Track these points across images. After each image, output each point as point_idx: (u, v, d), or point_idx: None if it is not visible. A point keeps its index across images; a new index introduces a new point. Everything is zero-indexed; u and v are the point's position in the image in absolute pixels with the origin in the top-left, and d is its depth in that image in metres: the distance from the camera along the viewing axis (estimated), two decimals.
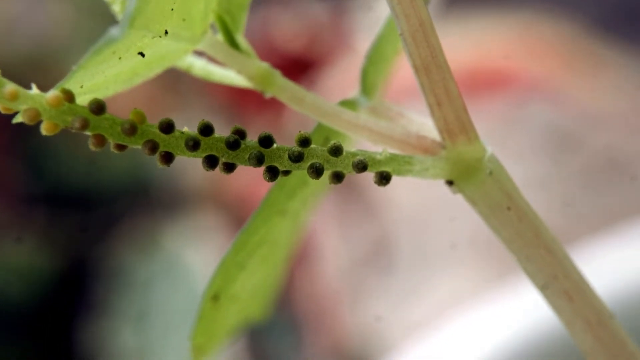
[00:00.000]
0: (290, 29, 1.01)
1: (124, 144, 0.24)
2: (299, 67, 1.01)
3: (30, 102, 0.23)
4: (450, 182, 0.24)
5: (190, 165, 1.20)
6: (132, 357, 0.95)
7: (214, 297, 0.27)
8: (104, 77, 0.24)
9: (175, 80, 1.24)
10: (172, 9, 0.24)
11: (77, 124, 0.23)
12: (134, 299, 0.99)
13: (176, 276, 1.02)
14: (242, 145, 0.24)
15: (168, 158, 0.24)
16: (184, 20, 0.24)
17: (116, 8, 0.27)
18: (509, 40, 0.91)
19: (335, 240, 1.01)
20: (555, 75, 0.88)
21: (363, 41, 1.00)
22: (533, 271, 0.25)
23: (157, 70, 0.26)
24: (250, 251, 0.27)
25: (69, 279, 1.03)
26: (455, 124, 0.24)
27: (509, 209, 0.24)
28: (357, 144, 0.29)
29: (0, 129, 1.15)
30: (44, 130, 0.23)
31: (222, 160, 0.24)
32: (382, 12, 1.07)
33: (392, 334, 0.94)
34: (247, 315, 0.30)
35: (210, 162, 0.24)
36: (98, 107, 0.23)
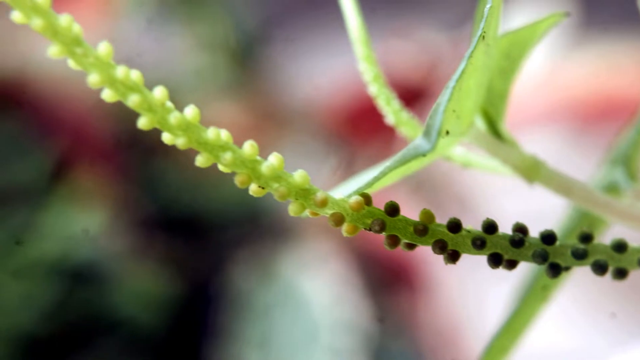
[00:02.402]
0: (410, 59, 1.03)
1: (415, 243, 0.26)
2: (417, 96, 1.03)
3: (336, 207, 0.25)
4: None
5: None
6: None
7: None
8: (385, 177, 0.26)
9: (279, 108, 1.26)
10: (454, 111, 0.25)
11: (376, 227, 0.25)
12: (255, 325, 1.02)
13: (294, 303, 1.04)
14: (526, 243, 0.25)
15: (455, 256, 0.26)
16: (458, 117, 0.26)
17: (390, 118, 0.29)
18: None
19: (449, 267, 1.02)
20: None
21: None
22: None
23: (421, 166, 0.28)
24: (515, 334, 0.29)
25: (191, 304, 1.06)
26: None
27: None
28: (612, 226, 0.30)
29: (115, 153, 1.19)
30: (345, 231, 0.26)
31: (506, 257, 0.26)
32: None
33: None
34: None
35: (495, 259, 0.26)
36: (393, 209, 0.26)
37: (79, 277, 0.98)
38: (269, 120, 1.25)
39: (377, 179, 0.25)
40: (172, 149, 1.35)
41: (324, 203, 0.25)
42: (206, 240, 1.16)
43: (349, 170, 1.16)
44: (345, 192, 0.26)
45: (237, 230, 1.17)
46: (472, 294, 0.93)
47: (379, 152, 1.15)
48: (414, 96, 1.06)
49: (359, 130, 1.15)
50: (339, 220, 0.25)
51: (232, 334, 1.02)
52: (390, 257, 1.06)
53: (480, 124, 0.29)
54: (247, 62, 1.24)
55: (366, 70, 0.30)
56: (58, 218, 0.98)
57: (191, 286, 1.08)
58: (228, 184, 1.25)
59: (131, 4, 1.23)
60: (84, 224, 1.01)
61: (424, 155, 0.24)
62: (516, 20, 0.96)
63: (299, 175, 0.25)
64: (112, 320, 1.00)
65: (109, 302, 1.00)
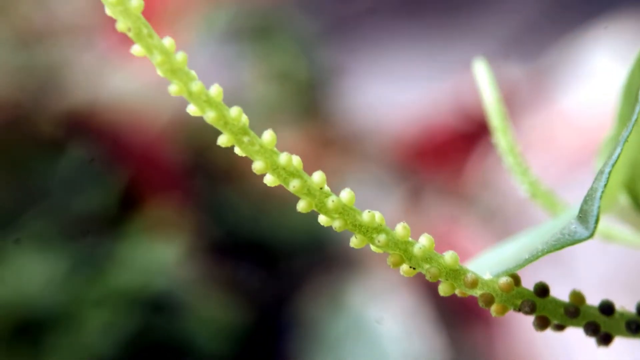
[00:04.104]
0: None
1: (565, 324, 0.26)
2: (490, 129, 1.02)
3: (486, 287, 0.25)
4: None
5: None
6: None
7: None
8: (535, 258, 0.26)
9: (346, 137, 1.27)
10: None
11: (526, 308, 0.25)
12: (327, 355, 1.02)
13: (364, 334, 1.04)
14: None
15: (607, 340, 0.25)
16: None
17: (525, 189, 0.29)
18: None
19: None
20: None
21: (563, 98, 1.00)
22: None
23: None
24: None
25: (262, 332, 1.07)
26: None
27: None
28: None
29: (183, 181, 1.21)
30: (495, 312, 0.26)
31: None
32: (583, 69, 1.07)
33: None
34: None
35: None
36: (543, 290, 0.26)
37: (155, 305, 0.99)
38: (337, 149, 1.25)
39: (528, 261, 0.25)
40: (237, 176, 1.35)
41: (474, 284, 0.25)
42: (275, 269, 1.16)
43: (416, 201, 1.16)
44: (490, 267, 0.26)
45: (305, 259, 1.17)
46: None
47: (446, 184, 1.14)
48: (486, 129, 1.05)
49: (427, 162, 1.15)
50: (489, 300, 0.25)
51: None
52: None
53: (623, 198, 0.29)
54: (314, 92, 1.25)
55: (501, 141, 0.30)
56: (135, 248, 1.00)
57: (261, 314, 1.09)
58: (294, 212, 1.26)
59: (201, 31, 1.25)
60: (159, 253, 1.03)
61: (581, 241, 0.24)
62: (597, 60, 0.96)
63: (449, 257, 0.25)
64: (186, 348, 1.01)
65: (183, 330, 1.01)
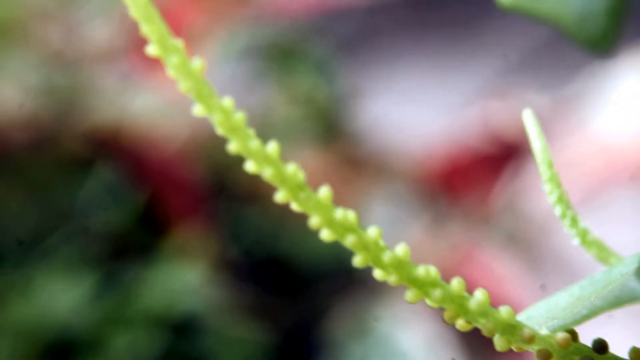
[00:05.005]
0: (508, 118, 1.02)
1: None
2: (513, 154, 1.02)
3: (543, 343, 0.25)
4: None
5: (391, 245, 1.22)
6: None
7: None
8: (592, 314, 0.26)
9: (370, 160, 1.26)
10: None
11: None
12: None
13: (390, 358, 1.03)
14: None
15: None
16: None
17: (575, 239, 0.29)
18: None
19: None
20: None
21: (590, 121, 1.00)
22: None
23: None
24: None
25: (287, 356, 1.07)
26: None
27: None
28: None
29: (205, 202, 1.21)
30: None
31: None
32: (610, 95, 1.06)
33: None
34: None
35: None
36: (601, 347, 0.25)
37: (181, 328, 0.99)
38: (359, 171, 1.25)
39: (586, 317, 0.25)
40: (261, 196, 1.35)
41: (531, 340, 0.25)
42: (301, 291, 1.16)
43: (441, 225, 1.15)
44: (544, 321, 0.26)
45: (330, 282, 1.17)
46: None
47: (473, 209, 1.13)
48: (510, 154, 1.05)
49: (453, 185, 1.14)
50: (546, 356, 0.25)
51: None
52: None
53: None
54: (336, 112, 1.25)
55: (551, 191, 0.30)
56: (160, 270, 1.00)
57: (287, 337, 1.09)
58: (318, 234, 1.26)
59: (220, 50, 1.25)
60: (184, 276, 1.03)
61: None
62: (625, 78, 0.95)
63: (505, 312, 0.25)
64: None
65: (209, 352, 1.01)
